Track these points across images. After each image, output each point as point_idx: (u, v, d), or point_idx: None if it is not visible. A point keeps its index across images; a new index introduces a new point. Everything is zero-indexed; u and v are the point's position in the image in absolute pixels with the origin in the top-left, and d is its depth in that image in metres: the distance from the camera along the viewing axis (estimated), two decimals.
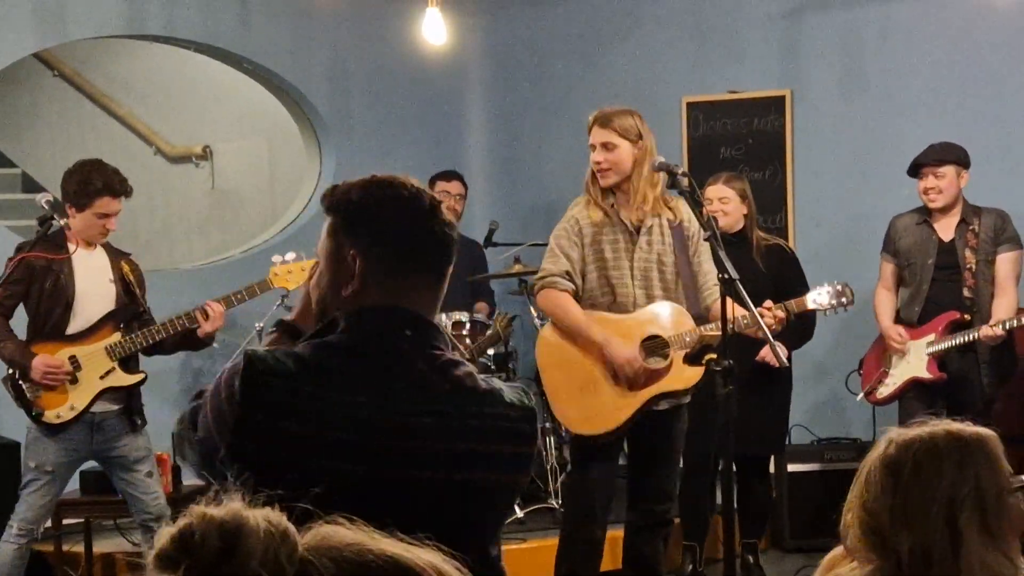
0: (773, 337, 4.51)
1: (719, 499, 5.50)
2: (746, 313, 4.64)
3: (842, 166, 7.43)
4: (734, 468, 5.07)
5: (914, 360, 6.00)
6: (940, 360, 5.95)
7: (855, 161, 7.38)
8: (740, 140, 7.65)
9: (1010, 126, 7.02)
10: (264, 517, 0.99)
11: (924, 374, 5.97)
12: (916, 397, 5.99)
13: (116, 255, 5.61)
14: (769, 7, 7.59)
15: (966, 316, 5.92)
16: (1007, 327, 5.74)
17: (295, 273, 5.63)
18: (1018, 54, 6.99)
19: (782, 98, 7.54)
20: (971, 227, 5.98)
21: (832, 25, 7.44)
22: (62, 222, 5.30)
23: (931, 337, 5.95)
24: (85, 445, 5.36)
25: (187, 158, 9.52)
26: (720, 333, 4.40)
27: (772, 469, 6.48)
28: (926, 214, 6.06)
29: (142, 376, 5.48)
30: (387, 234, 2.24)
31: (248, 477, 2.07)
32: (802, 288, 5.97)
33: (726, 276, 4.30)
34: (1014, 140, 7.01)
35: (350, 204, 2.25)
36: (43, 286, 5.33)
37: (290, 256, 5.71)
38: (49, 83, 9.68)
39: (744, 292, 4.31)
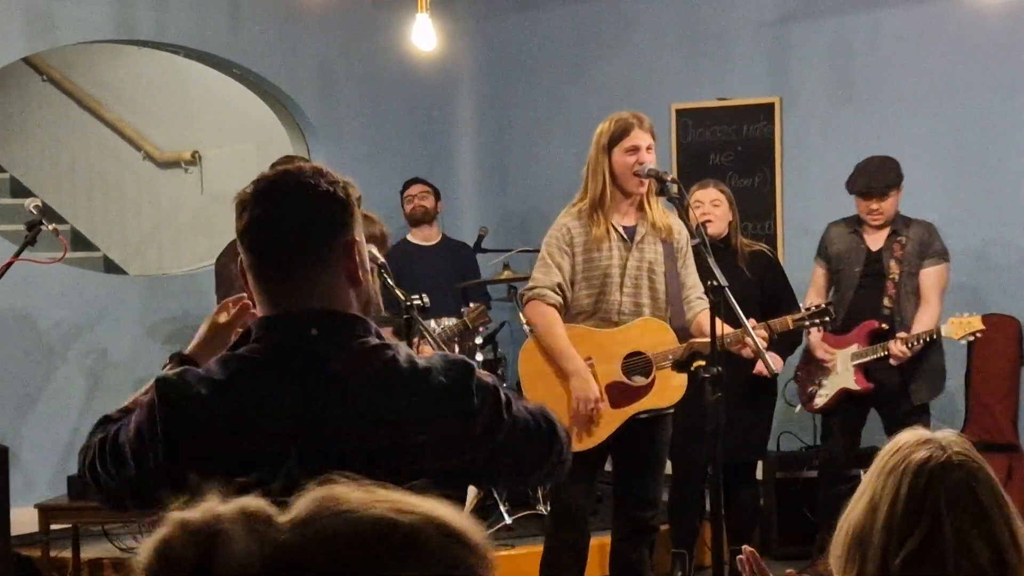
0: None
1: (708, 506, 5.50)
2: (731, 331, 4.64)
3: (831, 173, 7.42)
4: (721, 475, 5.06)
5: (841, 370, 6.09)
6: (865, 370, 6.03)
7: (844, 168, 7.35)
8: (729, 147, 7.65)
9: (999, 133, 7.03)
10: (240, 509, 0.98)
11: (852, 385, 6.06)
12: (848, 406, 6.11)
13: None
14: (758, 14, 7.60)
15: (884, 326, 6.01)
16: (912, 346, 5.86)
17: None
18: (1007, 62, 7.00)
19: (771, 105, 7.55)
20: (899, 238, 6.07)
21: (822, 32, 7.45)
22: (50, 227, 5.27)
23: (854, 347, 6.05)
24: None
25: (176, 163, 9.50)
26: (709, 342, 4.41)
27: (760, 476, 6.49)
28: (857, 223, 6.16)
29: None
30: (253, 237, 2.17)
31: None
32: (787, 293, 5.99)
33: (715, 283, 4.30)
34: (1003, 147, 7.02)
35: (236, 210, 2.20)
36: None
37: None
38: (38, 88, 9.67)
39: (733, 300, 4.31)
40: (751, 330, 4.48)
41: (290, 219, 2.15)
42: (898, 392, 6.00)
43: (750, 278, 5.87)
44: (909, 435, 2.05)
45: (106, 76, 9.60)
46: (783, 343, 5.69)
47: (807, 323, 5.15)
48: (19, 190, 9.62)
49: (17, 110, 9.85)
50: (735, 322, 4.52)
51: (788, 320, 5.13)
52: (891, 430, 6.02)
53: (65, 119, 9.70)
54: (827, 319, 5.16)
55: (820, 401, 6.17)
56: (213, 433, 2.08)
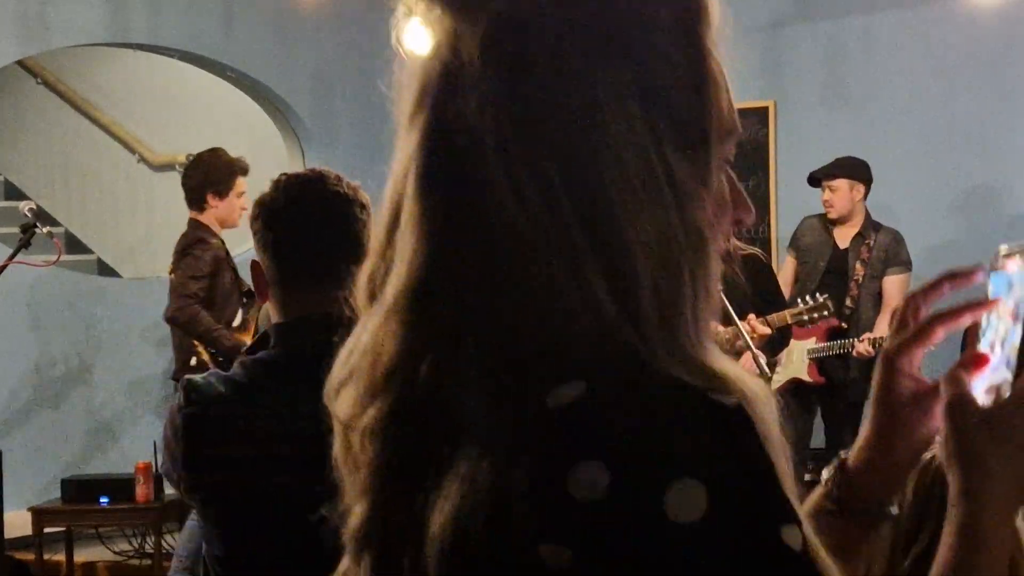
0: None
1: None
2: (727, 329, 4.64)
3: None
4: None
5: (796, 361, 6.21)
6: (819, 363, 6.19)
7: None
8: None
9: (993, 137, 7.04)
10: None
11: (804, 376, 6.20)
12: (794, 396, 6.19)
13: None
14: (752, 18, 7.60)
15: (843, 324, 6.14)
16: (877, 345, 5.92)
17: None
18: (1000, 65, 7.02)
19: (765, 109, 7.56)
20: (867, 241, 6.23)
21: (815, 36, 7.46)
22: (44, 230, 5.27)
23: (812, 341, 6.16)
24: None
25: (171, 166, 9.49)
26: None
27: None
28: (830, 220, 6.33)
29: None
30: (281, 247, 2.19)
31: (201, 499, 2.11)
32: (779, 298, 6.00)
33: None
34: (997, 150, 7.04)
35: (256, 214, 2.23)
36: (224, 279, 5.44)
37: None
38: (32, 91, 9.66)
39: (727, 301, 4.31)
40: (743, 331, 4.48)
41: (322, 230, 2.17)
42: (844, 389, 6.19)
43: (742, 282, 5.87)
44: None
45: (100, 79, 9.59)
46: (771, 342, 5.70)
47: (805, 317, 5.19)
48: (13, 193, 9.60)
49: (11, 113, 9.84)
50: (727, 322, 4.53)
51: (786, 315, 5.15)
52: (829, 423, 6.28)
53: (59, 122, 9.69)
54: (825, 312, 5.21)
55: None
56: (231, 433, 2.08)
